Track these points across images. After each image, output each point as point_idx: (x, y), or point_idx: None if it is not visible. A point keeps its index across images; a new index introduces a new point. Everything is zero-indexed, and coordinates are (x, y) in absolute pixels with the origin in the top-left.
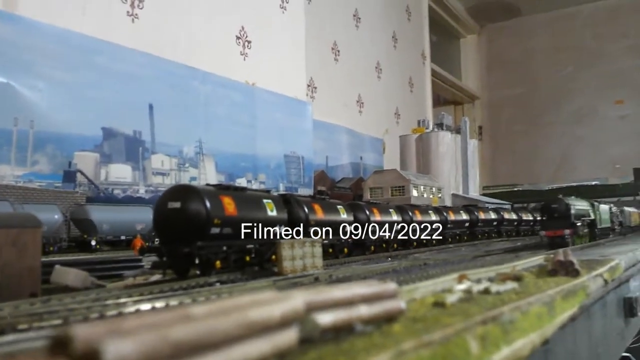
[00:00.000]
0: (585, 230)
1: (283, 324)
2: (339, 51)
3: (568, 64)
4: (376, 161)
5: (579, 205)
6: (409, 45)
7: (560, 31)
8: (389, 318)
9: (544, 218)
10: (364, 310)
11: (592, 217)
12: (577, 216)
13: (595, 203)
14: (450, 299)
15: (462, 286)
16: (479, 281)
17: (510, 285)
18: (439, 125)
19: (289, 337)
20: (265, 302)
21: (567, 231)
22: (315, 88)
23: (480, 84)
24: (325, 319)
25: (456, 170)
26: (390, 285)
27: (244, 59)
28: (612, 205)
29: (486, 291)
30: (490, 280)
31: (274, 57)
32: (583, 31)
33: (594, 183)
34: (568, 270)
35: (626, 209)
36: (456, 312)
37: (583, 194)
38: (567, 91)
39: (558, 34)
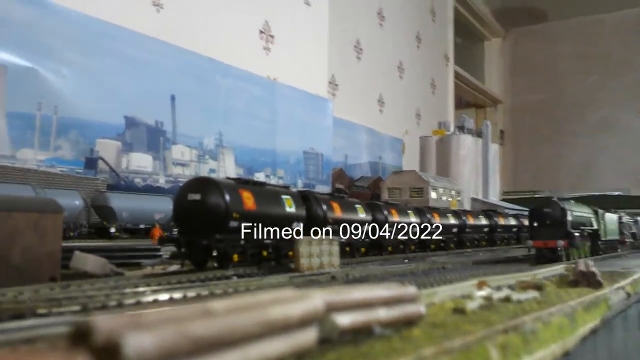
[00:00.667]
0: (586, 243)
1: (303, 323)
2: (361, 49)
3: (593, 72)
4: (395, 161)
5: (578, 211)
6: (433, 46)
7: (587, 38)
8: (408, 322)
9: (534, 225)
10: (383, 313)
11: (595, 226)
12: (575, 224)
13: (600, 210)
14: (471, 305)
15: (482, 293)
16: (499, 288)
17: (531, 294)
18: (460, 128)
19: (308, 337)
20: (286, 301)
21: (561, 242)
22: (337, 85)
23: (503, 88)
24: (344, 320)
25: (476, 174)
26: (410, 289)
27: (267, 54)
28: (622, 214)
29: (507, 299)
30: (511, 287)
31: (296, 52)
32: (610, 39)
33: (616, 194)
34: (590, 281)
35: None
36: (477, 320)
37: (604, 204)
38: (592, 100)
39: (584, 41)
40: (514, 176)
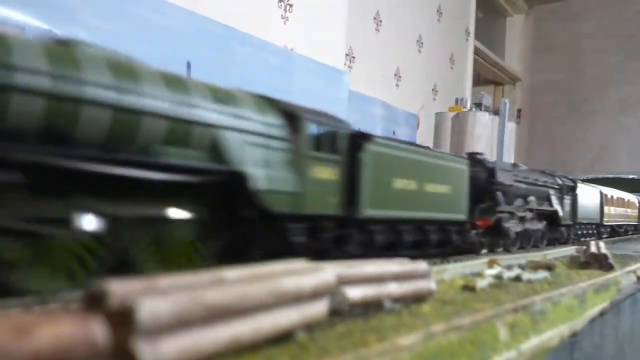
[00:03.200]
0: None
1: (314, 295)
2: (380, 21)
3: (617, 52)
4: (409, 137)
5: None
6: (454, 20)
7: (611, 18)
8: (419, 298)
9: None
10: (393, 288)
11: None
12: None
13: (452, 157)
14: (481, 283)
15: (493, 271)
16: (509, 267)
17: (542, 274)
18: (478, 105)
19: (319, 309)
20: (298, 272)
21: None
22: (354, 58)
23: (523, 65)
24: (355, 293)
25: (491, 153)
26: (422, 265)
27: (285, 23)
28: (517, 165)
29: (517, 278)
30: (521, 267)
31: (314, 23)
32: (635, 19)
33: (631, 177)
34: (602, 263)
35: (590, 188)
36: (486, 298)
37: (619, 187)
38: (613, 80)
39: (608, 21)
40: (529, 155)
